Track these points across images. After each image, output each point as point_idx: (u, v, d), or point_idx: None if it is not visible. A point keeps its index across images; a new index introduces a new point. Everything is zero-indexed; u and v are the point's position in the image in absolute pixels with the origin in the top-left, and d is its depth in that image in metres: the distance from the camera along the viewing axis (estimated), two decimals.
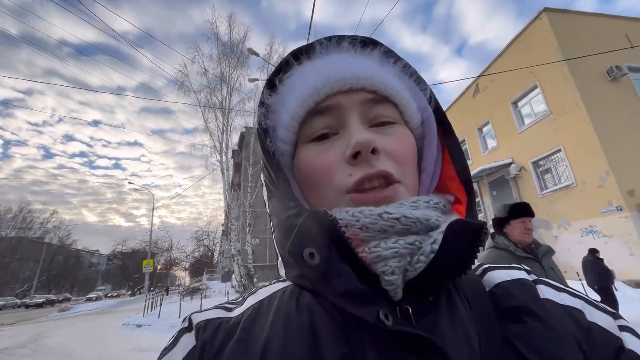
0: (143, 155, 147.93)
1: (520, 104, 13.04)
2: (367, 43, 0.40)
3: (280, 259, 0.38)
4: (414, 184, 0.36)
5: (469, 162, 15.84)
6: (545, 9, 11.65)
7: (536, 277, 0.36)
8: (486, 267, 0.38)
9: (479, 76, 14.92)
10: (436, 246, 0.29)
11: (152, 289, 26.73)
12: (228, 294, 13.21)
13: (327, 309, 0.31)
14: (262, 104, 0.39)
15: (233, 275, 18.02)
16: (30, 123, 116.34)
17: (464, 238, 0.29)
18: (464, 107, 16.33)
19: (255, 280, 16.51)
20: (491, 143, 14.70)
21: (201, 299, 12.22)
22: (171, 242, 45.46)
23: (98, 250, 63.62)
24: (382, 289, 0.29)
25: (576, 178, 10.61)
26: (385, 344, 0.27)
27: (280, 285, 0.38)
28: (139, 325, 10.16)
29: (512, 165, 12.91)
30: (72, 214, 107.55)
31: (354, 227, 0.30)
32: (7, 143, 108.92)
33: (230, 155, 19.11)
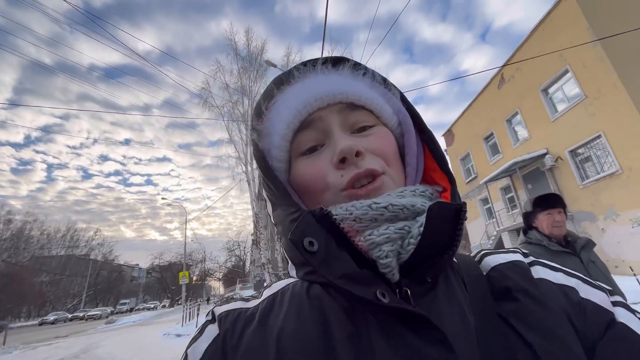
0: (172, 170, 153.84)
1: (550, 90, 12.32)
2: (337, 61, 0.44)
3: (290, 262, 0.42)
4: (400, 176, 0.39)
5: (499, 156, 15.16)
6: None
7: (533, 259, 0.38)
8: (484, 253, 0.41)
9: (503, 66, 14.29)
10: (422, 228, 0.32)
11: (189, 299, 27.78)
12: None
13: (334, 296, 0.34)
14: (254, 130, 0.43)
15: (265, 284, 18.27)
16: (69, 146, 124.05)
17: (446, 218, 0.32)
18: (490, 100, 15.68)
19: None
20: (522, 134, 13.97)
21: None
22: (204, 253, 47.00)
23: (138, 265, 66.91)
24: (380, 273, 0.32)
25: (621, 165, 9.79)
26: (386, 322, 0.30)
27: (291, 280, 0.41)
28: (178, 335, 10.54)
29: (547, 155, 12.17)
30: (112, 230, 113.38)
31: (348, 219, 0.33)
32: (50, 167, 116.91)
33: (255, 165, 19.54)
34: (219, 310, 0.37)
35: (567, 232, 1.83)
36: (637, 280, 7.53)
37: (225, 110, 17.47)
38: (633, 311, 0.32)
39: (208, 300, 33.89)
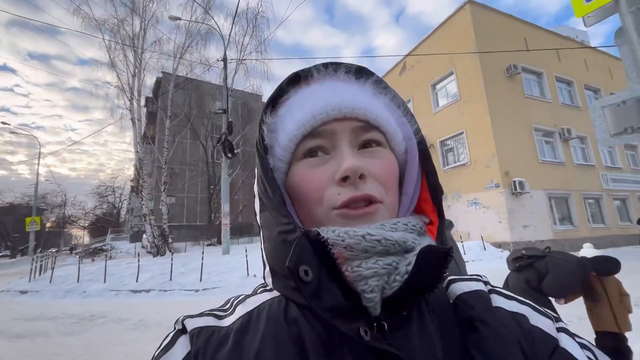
0: (17, 86, 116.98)
1: (438, 87, 14.39)
2: (361, 73, 0.44)
3: (267, 268, 0.41)
4: (394, 205, 0.40)
5: None
6: (470, 1, 12.67)
7: (491, 287, 0.42)
8: (450, 279, 0.43)
9: (407, 55, 15.77)
10: (410, 268, 0.33)
11: (40, 249, 23.17)
12: (138, 255, 12.26)
13: (313, 323, 0.35)
14: (264, 122, 0.42)
15: (144, 236, 16.71)
16: None
17: (433, 261, 0.33)
18: (391, 84, 17.19)
19: (170, 240, 15.62)
20: None
21: (105, 260, 11.07)
22: (65, 196, 39.24)
23: None
24: (362, 306, 0.33)
25: (471, 158, 12.53)
26: (362, 356, 0.31)
27: (267, 296, 0.40)
28: (23, 292, 8.78)
29: None
30: None
31: (339, 246, 0.34)
32: None
33: (142, 102, 16.84)
34: (191, 324, 0.37)
35: None
36: (462, 245, 10.15)
37: (108, 27, 14.06)
38: (572, 335, 0.36)
39: (72, 250, 28.43)
